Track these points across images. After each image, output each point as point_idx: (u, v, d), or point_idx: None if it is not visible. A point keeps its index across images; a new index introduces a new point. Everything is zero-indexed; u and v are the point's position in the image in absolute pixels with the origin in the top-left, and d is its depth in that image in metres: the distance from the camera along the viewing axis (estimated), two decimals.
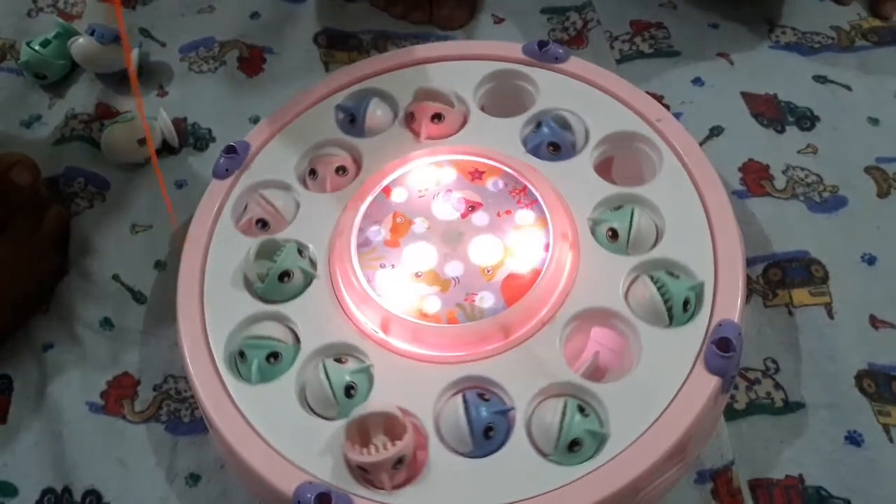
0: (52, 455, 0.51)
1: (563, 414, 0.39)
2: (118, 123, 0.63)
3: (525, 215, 0.46)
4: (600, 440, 0.39)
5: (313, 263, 0.47)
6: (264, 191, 0.50)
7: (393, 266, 0.45)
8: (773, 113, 0.64)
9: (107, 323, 0.56)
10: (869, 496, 0.47)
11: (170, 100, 0.68)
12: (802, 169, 0.60)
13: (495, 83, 0.54)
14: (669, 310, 0.42)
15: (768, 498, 0.47)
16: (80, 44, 0.67)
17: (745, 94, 0.65)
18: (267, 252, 0.46)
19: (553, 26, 0.70)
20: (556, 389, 0.41)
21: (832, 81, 0.65)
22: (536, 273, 0.43)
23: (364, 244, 0.46)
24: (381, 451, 0.38)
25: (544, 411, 0.40)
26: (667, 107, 0.60)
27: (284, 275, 0.45)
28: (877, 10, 0.70)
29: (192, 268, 0.47)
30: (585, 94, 0.52)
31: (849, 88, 0.65)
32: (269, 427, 0.41)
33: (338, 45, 0.71)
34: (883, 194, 0.59)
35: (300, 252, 0.47)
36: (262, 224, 0.49)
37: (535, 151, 0.50)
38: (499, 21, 0.71)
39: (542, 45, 0.54)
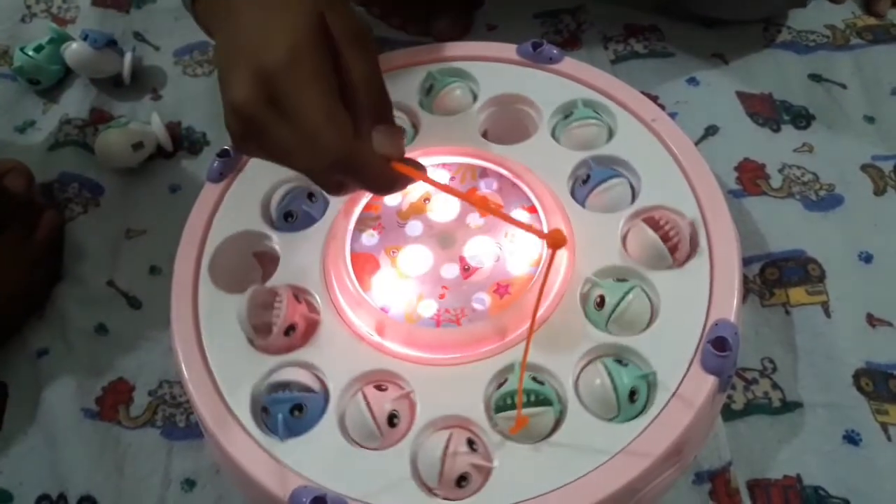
0: (47, 461, 0.51)
1: (609, 372, 0.39)
2: (112, 128, 0.63)
3: (520, 216, 0.46)
4: (650, 382, 0.40)
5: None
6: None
7: (388, 268, 0.45)
8: (768, 112, 0.64)
9: (101, 328, 0.56)
10: (867, 495, 0.47)
11: (164, 104, 0.68)
12: (798, 168, 0.60)
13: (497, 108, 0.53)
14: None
15: (766, 498, 0.47)
16: (74, 49, 0.67)
17: (740, 94, 0.65)
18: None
19: (546, 29, 0.70)
20: (588, 357, 0.41)
21: (827, 80, 0.65)
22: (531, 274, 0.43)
23: (358, 247, 0.46)
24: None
25: (590, 378, 0.40)
26: (662, 107, 0.60)
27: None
28: (871, 8, 0.70)
29: (185, 272, 0.47)
30: (579, 94, 0.52)
31: (844, 87, 0.65)
32: (264, 432, 0.41)
33: None
34: (879, 192, 0.59)
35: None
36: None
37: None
38: (492, 28, 0.71)
39: (535, 46, 0.53)
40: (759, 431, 0.49)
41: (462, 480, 0.38)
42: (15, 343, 0.56)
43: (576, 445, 0.39)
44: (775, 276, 0.55)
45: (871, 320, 0.53)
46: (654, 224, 0.44)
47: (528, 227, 0.36)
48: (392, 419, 0.40)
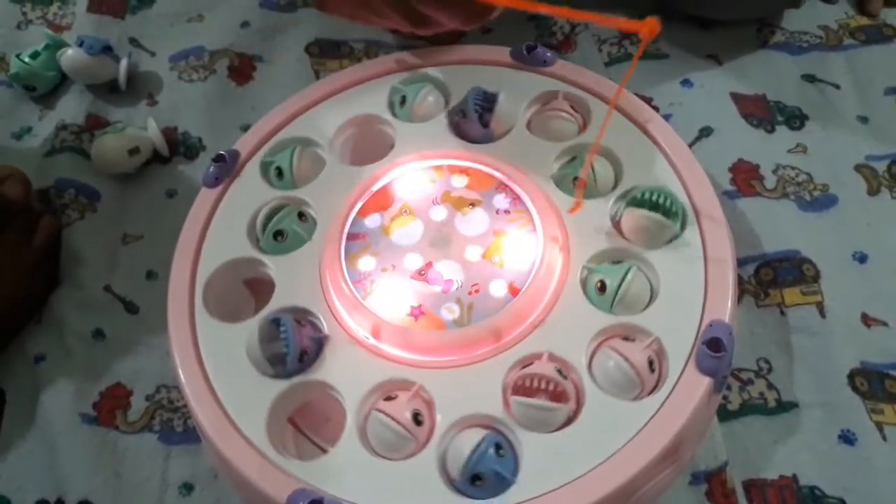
0: (45, 466, 0.51)
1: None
2: (108, 134, 0.63)
3: (515, 219, 0.46)
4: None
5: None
6: None
7: (384, 270, 0.45)
8: (762, 113, 0.64)
9: (99, 334, 0.56)
10: (863, 495, 0.47)
11: (160, 109, 0.68)
12: (792, 168, 0.60)
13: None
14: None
15: (762, 498, 0.47)
16: (70, 55, 0.67)
17: (734, 95, 0.65)
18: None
19: (541, 32, 0.70)
20: (597, 340, 0.42)
21: (821, 80, 0.66)
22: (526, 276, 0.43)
23: (353, 249, 0.46)
24: None
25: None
26: (656, 109, 0.60)
27: (278, 234, 0.47)
28: (864, 7, 0.70)
29: (182, 277, 0.47)
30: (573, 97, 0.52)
31: (837, 87, 0.65)
32: (261, 436, 0.41)
33: (329, 53, 0.71)
34: (873, 192, 0.59)
35: (300, 216, 0.48)
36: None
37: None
38: (486, 31, 0.71)
39: (529, 48, 0.54)
40: (754, 432, 0.50)
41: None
42: (12, 349, 0.56)
43: (598, 428, 0.39)
44: (770, 277, 0.55)
45: (866, 320, 0.53)
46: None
47: (616, 21, 0.37)
48: (417, 417, 0.40)
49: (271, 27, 0.73)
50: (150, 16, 0.75)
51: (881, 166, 0.60)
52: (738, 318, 0.45)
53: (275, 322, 0.43)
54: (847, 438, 0.49)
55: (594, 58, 0.68)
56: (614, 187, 0.48)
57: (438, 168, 0.49)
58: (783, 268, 0.55)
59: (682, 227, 0.45)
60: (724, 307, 0.42)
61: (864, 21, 0.70)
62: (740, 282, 0.55)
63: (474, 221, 0.46)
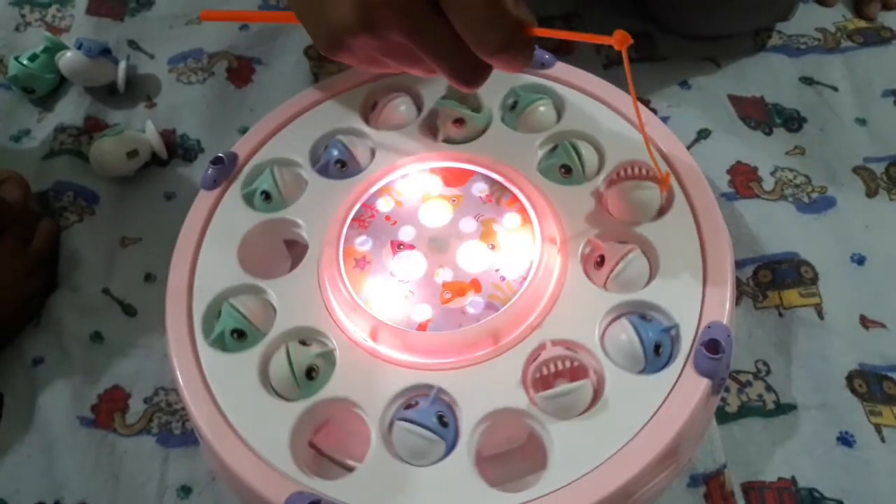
0: (42, 469, 0.51)
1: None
2: (107, 137, 0.63)
3: (512, 220, 0.46)
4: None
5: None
6: None
7: (381, 274, 0.45)
8: (760, 115, 0.64)
9: (97, 336, 0.56)
10: (862, 497, 0.47)
11: (158, 111, 0.68)
12: (790, 170, 0.61)
13: None
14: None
15: (761, 500, 0.47)
16: (68, 58, 0.67)
17: (731, 97, 0.65)
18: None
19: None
20: (614, 312, 0.42)
21: (819, 83, 0.66)
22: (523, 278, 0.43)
23: (351, 252, 0.46)
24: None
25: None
26: (654, 111, 0.60)
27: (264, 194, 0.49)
28: (861, 10, 0.71)
29: (180, 280, 0.47)
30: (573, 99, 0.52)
31: (835, 89, 0.65)
32: (260, 438, 0.41)
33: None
34: (871, 194, 0.59)
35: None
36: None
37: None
38: None
39: None
40: (753, 434, 0.50)
41: None
42: (10, 351, 0.56)
43: (620, 410, 0.40)
44: (768, 279, 0.55)
45: (865, 322, 0.53)
46: (629, 176, 0.46)
47: (588, 37, 0.39)
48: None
49: (270, 30, 0.73)
50: (148, 18, 0.75)
51: (879, 168, 0.61)
52: (736, 319, 0.45)
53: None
54: (845, 440, 0.49)
55: (592, 61, 0.68)
56: (598, 171, 0.48)
57: (431, 171, 0.49)
58: (781, 270, 0.55)
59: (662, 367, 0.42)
60: (723, 309, 0.42)
61: (862, 24, 0.70)
62: (739, 284, 0.55)
63: (470, 223, 0.46)
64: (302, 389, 0.42)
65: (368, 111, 0.54)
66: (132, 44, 0.73)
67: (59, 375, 0.54)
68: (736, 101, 0.65)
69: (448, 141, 0.51)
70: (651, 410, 0.39)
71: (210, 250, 0.49)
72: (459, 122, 0.51)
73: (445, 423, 0.40)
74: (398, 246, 0.46)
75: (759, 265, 0.56)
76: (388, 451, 0.40)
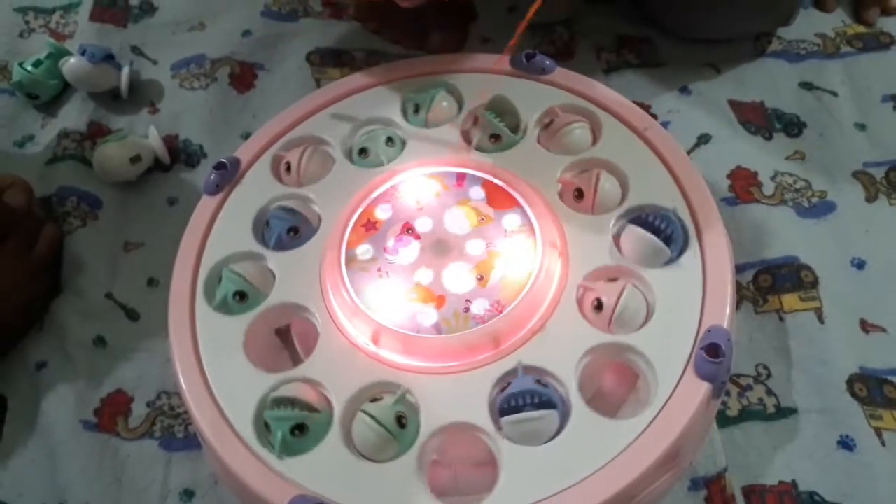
0: (46, 473, 0.51)
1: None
2: (110, 142, 0.63)
3: (513, 223, 0.46)
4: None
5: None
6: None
7: (405, 299, 0.45)
8: (760, 120, 0.64)
9: (100, 341, 0.57)
10: (862, 500, 0.47)
11: (161, 117, 0.69)
12: (790, 175, 0.61)
13: None
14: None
15: None
16: (72, 63, 0.68)
17: (732, 102, 0.65)
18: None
19: (540, 41, 0.71)
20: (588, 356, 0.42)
21: (818, 88, 0.66)
22: (524, 282, 0.43)
23: (353, 258, 0.46)
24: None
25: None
26: (654, 116, 0.60)
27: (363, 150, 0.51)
28: (861, 16, 0.71)
29: (182, 285, 0.47)
30: (572, 104, 0.53)
31: (835, 94, 0.66)
32: (262, 441, 0.41)
33: (330, 62, 0.71)
34: (871, 199, 0.60)
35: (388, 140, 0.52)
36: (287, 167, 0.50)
37: None
38: (486, 40, 0.71)
39: (529, 56, 0.54)
40: (753, 437, 0.50)
41: None
42: (14, 356, 0.57)
43: (578, 448, 0.39)
44: (769, 283, 0.55)
45: (865, 326, 0.54)
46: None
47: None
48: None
49: (273, 36, 0.73)
50: (151, 24, 0.75)
51: (879, 173, 0.61)
52: (736, 324, 0.45)
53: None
54: (846, 444, 0.49)
55: (593, 66, 0.68)
56: (620, 203, 0.47)
57: (440, 175, 0.49)
58: (782, 274, 0.56)
59: (681, 253, 0.45)
60: (723, 313, 0.42)
61: (861, 29, 0.70)
62: (739, 288, 0.55)
63: (473, 228, 0.46)
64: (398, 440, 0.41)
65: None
66: (135, 50, 0.73)
67: (63, 379, 0.55)
68: (736, 106, 0.65)
69: (480, 149, 0.51)
70: (652, 414, 0.39)
71: (212, 255, 0.49)
72: (496, 137, 0.51)
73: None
74: (400, 238, 0.47)
75: (760, 269, 0.56)
76: (343, 440, 0.40)
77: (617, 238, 0.46)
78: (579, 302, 0.44)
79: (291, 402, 0.41)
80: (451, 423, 0.40)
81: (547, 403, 0.39)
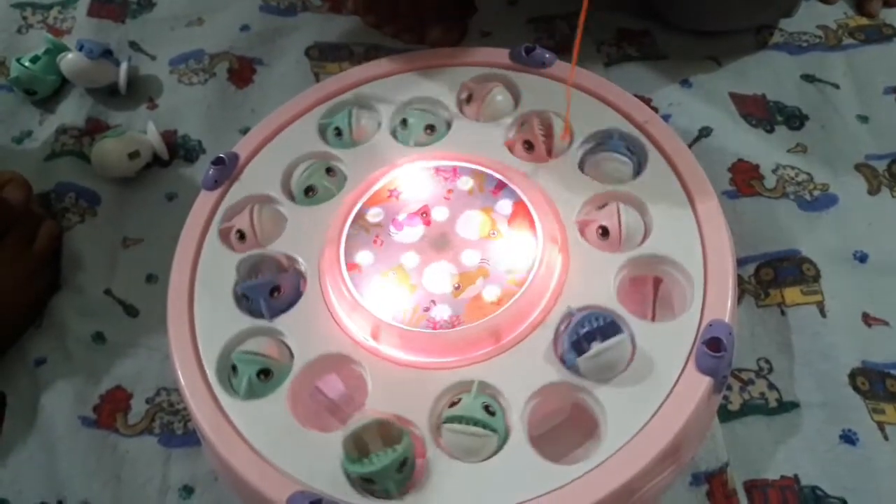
0: (45, 469, 0.51)
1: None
2: (108, 138, 0.63)
3: (513, 220, 0.46)
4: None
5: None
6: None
7: (382, 273, 0.45)
8: (761, 113, 0.64)
9: (99, 337, 0.56)
10: (864, 495, 0.47)
11: (160, 112, 0.68)
12: (792, 168, 0.60)
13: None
14: None
15: (764, 499, 0.47)
16: (70, 59, 0.67)
17: (733, 95, 0.65)
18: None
19: (540, 34, 0.71)
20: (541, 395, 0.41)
21: (820, 80, 0.66)
22: (525, 277, 0.43)
23: (352, 253, 0.46)
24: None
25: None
26: (655, 109, 0.60)
27: (309, 189, 0.50)
28: (863, 8, 0.70)
29: (181, 280, 0.47)
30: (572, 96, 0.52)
31: (837, 87, 0.65)
32: (261, 438, 0.41)
33: (329, 56, 0.71)
34: (873, 191, 0.59)
35: (327, 171, 0.51)
36: (241, 235, 0.49)
37: None
38: (486, 34, 0.71)
39: (528, 50, 0.54)
40: (755, 432, 0.49)
41: None
42: (13, 352, 0.57)
43: (511, 472, 0.39)
44: (770, 277, 0.55)
45: (867, 319, 0.53)
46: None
47: None
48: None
49: (271, 30, 0.73)
50: (150, 20, 0.75)
51: (881, 165, 0.60)
52: (738, 317, 0.45)
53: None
54: (848, 438, 0.49)
55: (593, 59, 0.68)
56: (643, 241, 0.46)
57: (441, 169, 0.49)
58: (783, 267, 0.55)
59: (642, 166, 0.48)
60: (724, 307, 0.42)
61: (863, 21, 0.70)
62: (740, 282, 0.55)
63: (479, 238, 0.46)
64: None
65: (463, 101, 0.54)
66: (133, 45, 0.73)
67: (62, 376, 0.54)
68: (737, 98, 0.65)
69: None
70: (653, 408, 0.39)
71: (211, 251, 0.49)
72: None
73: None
74: (400, 228, 0.47)
75: (761, 263, 0.56)
76: (443, 452, 0.40)
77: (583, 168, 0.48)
78: (583, 235, 0.45)
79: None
80: (535, 390, 0.40)
81: (612, 328, 0.40)
